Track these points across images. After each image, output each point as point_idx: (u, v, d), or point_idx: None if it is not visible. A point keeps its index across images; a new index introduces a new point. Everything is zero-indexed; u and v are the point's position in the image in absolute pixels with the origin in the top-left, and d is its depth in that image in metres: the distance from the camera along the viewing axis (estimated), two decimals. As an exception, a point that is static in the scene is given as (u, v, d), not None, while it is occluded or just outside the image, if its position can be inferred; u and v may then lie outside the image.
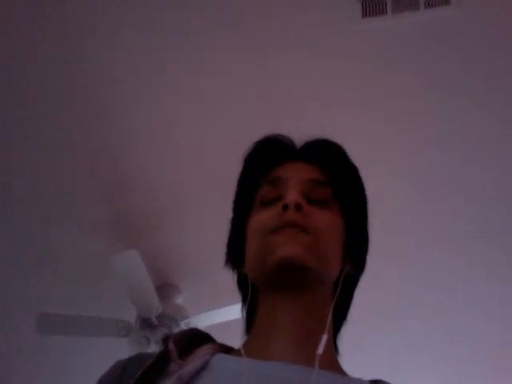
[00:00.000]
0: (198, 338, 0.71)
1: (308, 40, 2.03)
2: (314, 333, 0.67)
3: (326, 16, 1.96)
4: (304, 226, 0.69)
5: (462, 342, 2.99)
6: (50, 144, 2.35)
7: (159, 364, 0.65)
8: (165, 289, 2.86)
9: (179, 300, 2.91)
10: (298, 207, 0.70)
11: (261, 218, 0.73)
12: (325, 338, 0.65)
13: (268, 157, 0.80)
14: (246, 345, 0.69)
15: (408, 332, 2.99)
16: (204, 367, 0.64)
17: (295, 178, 0.75)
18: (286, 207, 0.70)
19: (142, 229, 2.68)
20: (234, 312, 2.43)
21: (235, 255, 0.78)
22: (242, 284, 0.77)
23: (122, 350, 2.70)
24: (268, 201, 0.75)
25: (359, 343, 2.90)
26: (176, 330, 2.69)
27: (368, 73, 2.11)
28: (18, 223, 2.64)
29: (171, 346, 0.66)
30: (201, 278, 2.80)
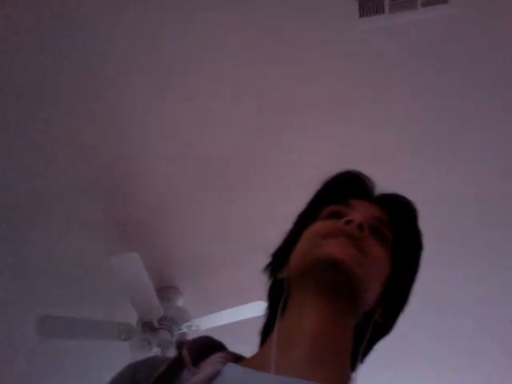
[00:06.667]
0: (210, 346, 0.71)
1: (305, 40, 2.03)
2: (331, 353, 0.67)
3: (323, 16, 1.96)
4: (360, 244, 0.70)
5: (465, 345, 2.99)
6: (51, 146, 2.35)
7: (173, 370, 0.65)
8: (166, 291, 2.86)
9: (180, 302, 2.90)
10: (361, 227, 0.71)
11: (320, 224, 0.74)
12: (354, 377, 0.66)
13: (347, 188, 0.81)
14: (258, 354, 0.69)
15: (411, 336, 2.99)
16: (215, 376, 0.64)
17: (365, 210, 0.77)
18: (349, 222, 0.71)
19: (142, 231, 2.67)
20: (235, 314, 2.42)
21: (278, 261, 0.79)
22: (273, 291, 0.78)
23: (122, 352, 2.70)
24: (333, 215, 0.76)
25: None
26: (177, 333, 2.69)
27: (365, 72, 2.11)
28: (19, 225, 2.64)
29: (185, 352, 0.67)
30: (202, 280, 2.79)
